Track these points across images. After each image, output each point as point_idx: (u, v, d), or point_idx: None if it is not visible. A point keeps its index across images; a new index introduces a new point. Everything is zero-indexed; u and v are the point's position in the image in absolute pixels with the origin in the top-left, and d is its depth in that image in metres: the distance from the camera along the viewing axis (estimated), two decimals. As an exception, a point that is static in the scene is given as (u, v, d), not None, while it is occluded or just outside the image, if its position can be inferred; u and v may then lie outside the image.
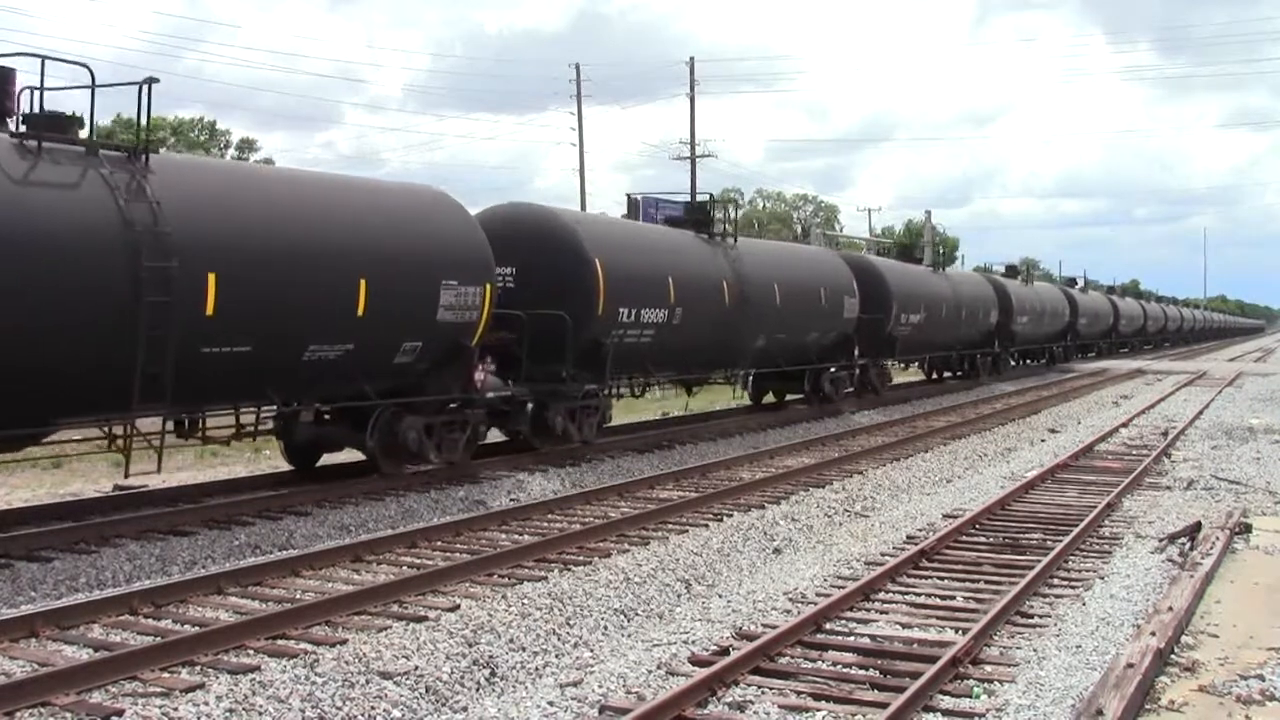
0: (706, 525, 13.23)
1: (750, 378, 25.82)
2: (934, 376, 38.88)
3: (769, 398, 27.70)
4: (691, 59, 53.20)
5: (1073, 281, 63.17)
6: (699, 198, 23.80)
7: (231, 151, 56.84)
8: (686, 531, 12.85)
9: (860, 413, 26.65)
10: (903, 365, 38.08)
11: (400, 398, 14.78)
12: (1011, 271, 47.96)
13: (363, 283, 13.60)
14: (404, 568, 11.10)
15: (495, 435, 17.98)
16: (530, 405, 17.36)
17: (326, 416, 14.92)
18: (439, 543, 12.22)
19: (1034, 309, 44.54)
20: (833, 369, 26.85)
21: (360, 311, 13.60)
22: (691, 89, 53.26)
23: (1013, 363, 44.17)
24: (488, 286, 15.56)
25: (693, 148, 53.67)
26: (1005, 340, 40.88)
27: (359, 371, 14.02)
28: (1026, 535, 12.82)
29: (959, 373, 38.74)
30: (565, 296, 17.31)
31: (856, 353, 27.63)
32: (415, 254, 14.58)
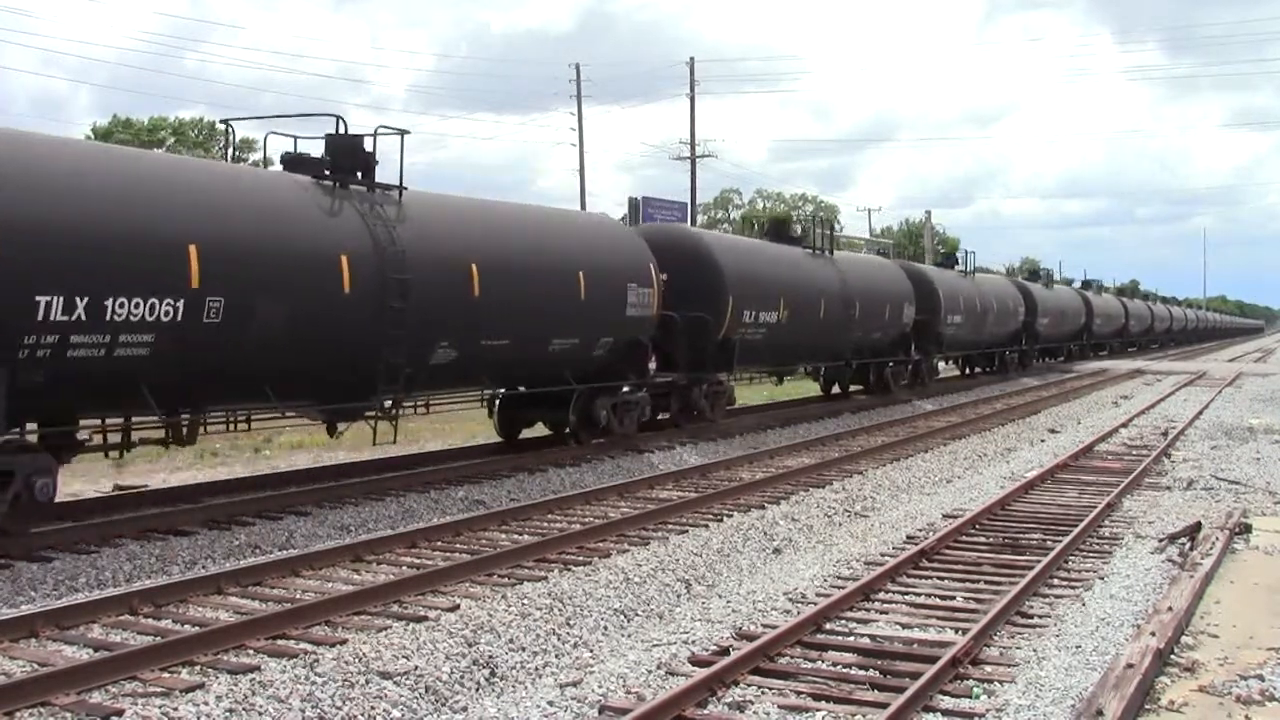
0: (706, 525, 13.23)
1: (497, 403, 18.69)
2: (832, 391, 31.06)
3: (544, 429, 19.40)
4: (691, 59, 53.34)
5: (1035, 275, 54.24)
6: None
7: (231, 151, 56.64)
8: (686, 532, 12.86)
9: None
10: (775, 380, 30.90)
11: None
12: (949, 261, 40.72)
13: None
14: (404, 568, 11.10)
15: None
16: None
17: None
18: (439, 543, 12.22)
19: (973, 307, 36.78)
20: (626, 389, 19.38)
21: None
22: (691, 89, 53.39)
23: (948, 364, 39.07)
24: None
25: (692, 148, 53.77)
26: (929, 345, 33.12)
27: None
28: (1026, 535, 12.82)
29: (871, 384, 30.70)
30: None
31: (653, 366, 19.99)
32: None
